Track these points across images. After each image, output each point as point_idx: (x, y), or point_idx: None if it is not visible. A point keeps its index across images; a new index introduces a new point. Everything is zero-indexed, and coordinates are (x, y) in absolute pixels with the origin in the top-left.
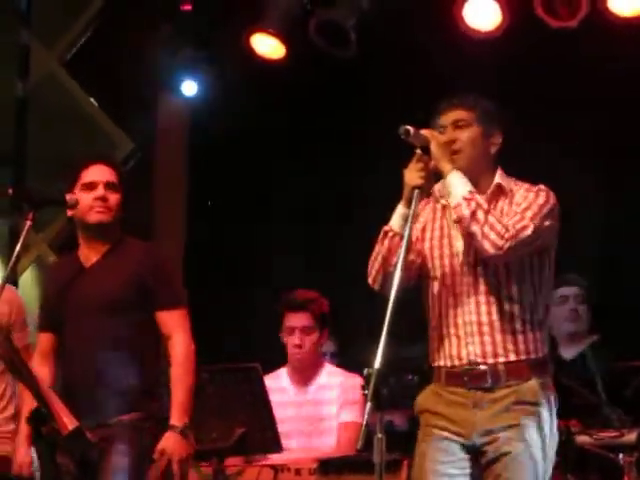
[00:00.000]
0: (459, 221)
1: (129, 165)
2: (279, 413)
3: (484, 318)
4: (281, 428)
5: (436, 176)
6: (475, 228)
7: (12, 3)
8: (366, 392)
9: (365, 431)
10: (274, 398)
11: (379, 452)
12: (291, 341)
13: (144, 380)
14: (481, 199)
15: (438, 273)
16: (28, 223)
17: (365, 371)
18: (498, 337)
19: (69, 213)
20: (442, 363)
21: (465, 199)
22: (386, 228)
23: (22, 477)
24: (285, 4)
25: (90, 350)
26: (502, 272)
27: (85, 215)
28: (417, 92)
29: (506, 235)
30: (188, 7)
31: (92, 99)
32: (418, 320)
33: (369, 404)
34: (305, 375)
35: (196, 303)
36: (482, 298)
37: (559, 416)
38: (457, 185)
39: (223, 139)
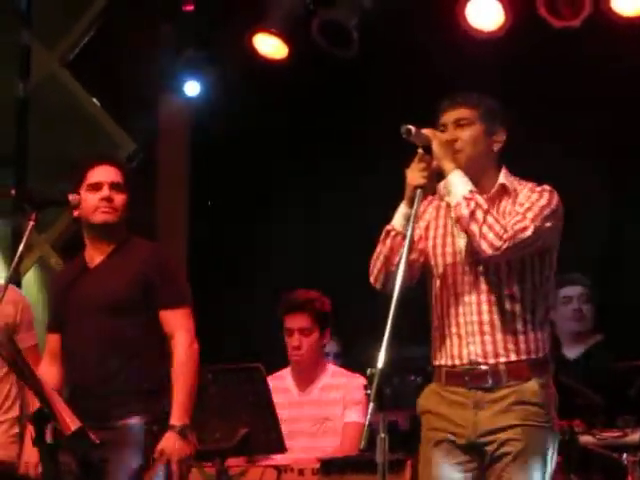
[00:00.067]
0: (458, 220)
1: (131, 166)
2: (283, 413)
3: (485, 317)
4: (285, 428)
5: (438, 175)
6: (474, 228)
7: (12, 3)
8: (369, 392)
9: (368, 431)
10: (277, 398)
11: (382, 452)
12: (290, 342)
13: (149, 381)
14: (481, 199)
15: (440, 271)
16: (31, 224)
17: (368, 371)
18: (499, 337)
19: (75, 213)
20: (443, 362)
21: (465, 198)
22: (388, 227)
23: (29, 477)
24: (288, 4)
25: (93, 351)
26: (503, 271)
27: (90, 215)
28: (418, 92)
29: (504, 236)
30: (190, 7)
31: (94, 99)
32: (421, 320)
33: (372, 404)
34: (308, 376)
35: (196, 303)
36: (483, 297)
37: (562, 416)
38: (458, 184)
39: (225, 139)
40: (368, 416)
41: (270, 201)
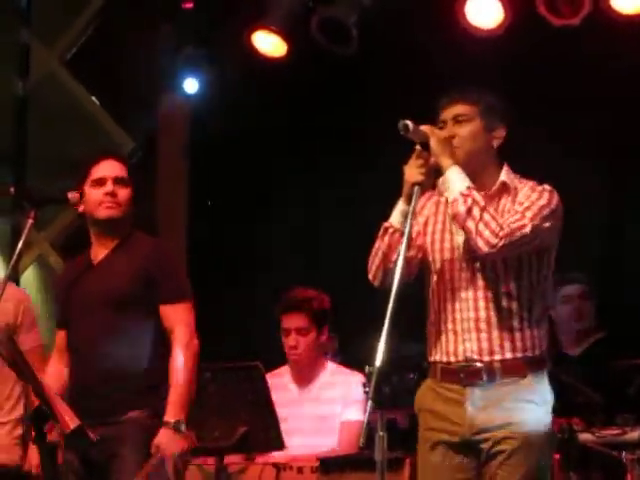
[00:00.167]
0: (455, 217)
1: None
2: (282, 411)
3: (482, 314)
4: (284, 426)
5: (436, 172)
6: (470, 225)
7: (12, 2)
8: (367, 390)
9: (367, 429)
10: (276, 396)
11: (381, 450)
12: (287, 342)
13: (150, 376)
14: (478, 196)
15: (438, 267)
16: (30, 222)
17: (366, 369)
18: (495, 334)
19: (80, 209)
20: (438, 358)
21: (462, 195)
22: (386, 224)
23: (31, 476)
24: (287, 1)
25: (95, 346)
26: (500, 268)
27: (95, 211)
28: (417, 90)
29: (500, 233)
30: (189, 5)
31: (93, 98)
32: (420, 317)
33: (370, 402)
34: (306, 374)
35: (196, 302)
36: (480, 294)
37: (562, 414)
38: (455, 181)
39: (224, 136)
40: (367, 414)
41: (269, 198)
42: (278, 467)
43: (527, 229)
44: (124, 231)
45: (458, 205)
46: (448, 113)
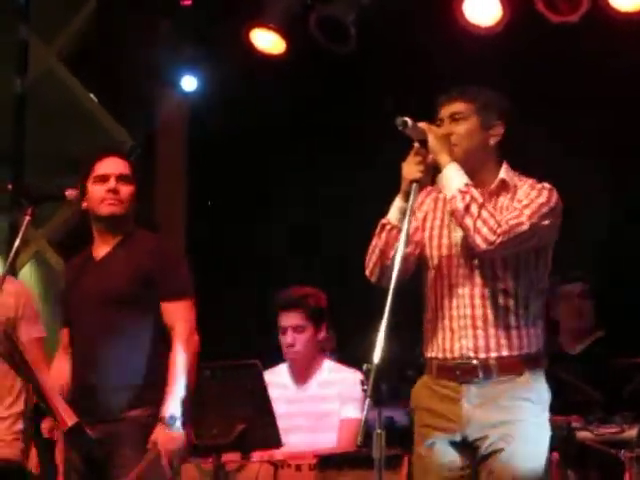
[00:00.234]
0: (453, 214)
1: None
2: (280, 408)
3: (478, 311)
4: (282, 424)
5: (435, 169)
6: (468, 222)
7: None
8: (365, 388)
9: (364, 427)
10: (274, 393)
11: (379, 448)
12: (283, 340)
13: (151, 373)
14: (476, 193)
15: (435, 263)
16: (27, 219)
17: (364, 367)
18: (491, 331)
19: (83, 206)
20: (434, 355)
21: (460, 192)
22: (384, 221)
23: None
24: None
25: (96, 343)
26: (498, 266)
27: (97, 207)
28: (415, 88)
29: (498, 230)
30: (188, 2)
31: (91, 95)
32: (418, 314)
33: (368, 400)
34: (304, 371)
35: (196, 302)
36: (477, 291)
37: (560, 412)
38: (453, 177)
39: (222, 134)
40: (365, 412)
41: (268, 197)
42: (276, 465)
43: (525, 226)
44: (126, 228)
45: (456, 202)
46: (445, 111)
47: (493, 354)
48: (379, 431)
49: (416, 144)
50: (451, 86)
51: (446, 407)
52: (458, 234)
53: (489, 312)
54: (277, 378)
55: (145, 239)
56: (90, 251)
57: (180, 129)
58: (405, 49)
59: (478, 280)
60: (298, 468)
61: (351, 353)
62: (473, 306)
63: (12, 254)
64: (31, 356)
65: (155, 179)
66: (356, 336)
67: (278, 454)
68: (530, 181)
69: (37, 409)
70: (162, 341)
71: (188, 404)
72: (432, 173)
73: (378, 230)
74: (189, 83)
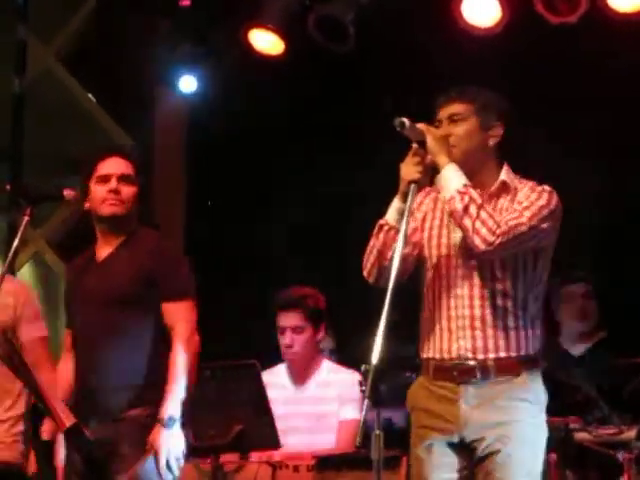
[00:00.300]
0: (452, 215)
1: None
2: (278, 409)
3: (477, 312)
4: (280, 425)
5: (433, 170)
6: (467, 222)
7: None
8: (364, 389)
9: (363, 428)
10: (273, 394)
11: (377, 449)
12: (282, 340)
13: (151, 374)
14: (475, 193)
15: (434, 263)
16: (26, 219)
17: (363, 367)
18: (490, 332)
19: (85, 206)
20: (431, 355)
21: (459, 192)
22: (381, 222)
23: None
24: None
25: (97, 345)
26: (497, 266)
27: (98, 208)
28: (414, 88)
29: (497, 231)
30: (187, 3)
31: (90, 95)
32: (416, 315)
33: (367, 401)
34: (303, 372)
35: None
36: (476, 291)
37: (558, 413)
38: (452, 178)
39: (221, 135)
40: (363, 413)
41: (268, 196)
42: (274, 466)
43: (525, 228)
44: (128, 228)
45: (455, 203)
46: (444, 112)
47: (491, 355)
48: (378, 432)
49: (414, 145)
50: (450, 86)
51: (444, 408)
52: (457, 234)
53: (488, 313)
54: (276, 378)
55: (148, 239)
56: (93, 251)
57: (179, 129)
58: (404, 49)
59: (477, 281)
60: (296, 469)
61: (350, 354)
62: (472, 306)
63: (11, 254)
64: (32, 356)
65: (154, 179)
66: (355, 337)
67: (276, 455)
68: (530, 183)
69: (35, 410)
70: (163, 341)
71: (188, 405)
72: (431, 174)
73: (376, 231)
74: (188, 83)
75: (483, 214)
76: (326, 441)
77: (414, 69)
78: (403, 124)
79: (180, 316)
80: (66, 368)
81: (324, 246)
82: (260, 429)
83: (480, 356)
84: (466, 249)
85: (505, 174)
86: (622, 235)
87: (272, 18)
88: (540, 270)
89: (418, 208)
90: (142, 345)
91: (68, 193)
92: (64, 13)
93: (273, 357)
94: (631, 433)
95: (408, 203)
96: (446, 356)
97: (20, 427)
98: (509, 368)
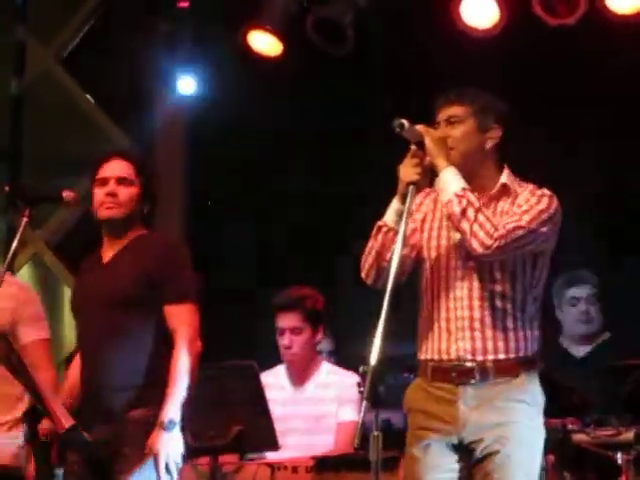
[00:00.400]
0: (450, 218)
1: None
2: (277, 410)
3: (476, 313)
4: (278, 426)
5: (432, 171)
6: (464, 226)
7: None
8: (362, 390)
9: (362, 429)
10: (272, 395)
11: (376, 450)
12: (281, 341)
13: (153, 375)
14: (473, 197)
15: (433, 264)
16: (25, 220)
17: (361, 369)
18: (489, 334)
19: (92, 209)
20: (429, 356)
21: (457, 196)
22: (380, 223)
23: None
24: (282, 1)
25: (100, 347)
26: (496, 268)
27: (97, 211)
28: (416, 90)
29: (495, 234)
30: (185, 4)
31: (88, 96)
32: (415, 316)
33: (365, 402)
34: (301, 373)
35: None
36: (475, 293)
37: (557, 414)
38: (450, 181)
39: (220, 136)
40: (361, 414)
41: (267, 197)
42: (273, 467)
43: (523, 231)
44: (129, 231)
45: (453, 206)
46: (443, 114)
47: (490, 356)
48: (376, 433)
49: (413, 146)
50: (450, 87)
51: (442, 409)
52: (457, 236)
53: (487, 314)
54: (274, 379)
55: (152, 242)
56: (99, 254)
57: (178, 130)
58: (404, 50)
59: (476, 282)
60: (295, 470)
61: (349, 356)
62: (471, 308)
63: (10, 255)
64: (32, 358)
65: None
66: (354, 338)
67: (275, 456)
68: (530, 187)
69: (34, 411)
70: (165, 343)
71: (188, 408)
72: (430, 175)
73: (374, 232)
74: (187, 84)
75: (481, 217)
76: (325, 442)
77: (414, 70)
78: (402, 125)
79: (182, 319)
80: (74, 371)
81: (324, 246)
82: (259, 430)
83: (479, 357)
84: (465, 251)
85: (506, 177)
86: (622, 235)
87: (271, 20)
88: (539, 272)
89: (418, 209)
90: (144, 346)
91: (67, 194)
92: (63, 14)
93: (272, 358)
94: (629, 434)
95: (407, 204)
96: (444, 357)
97: (19, 430)
98: (508, 369)
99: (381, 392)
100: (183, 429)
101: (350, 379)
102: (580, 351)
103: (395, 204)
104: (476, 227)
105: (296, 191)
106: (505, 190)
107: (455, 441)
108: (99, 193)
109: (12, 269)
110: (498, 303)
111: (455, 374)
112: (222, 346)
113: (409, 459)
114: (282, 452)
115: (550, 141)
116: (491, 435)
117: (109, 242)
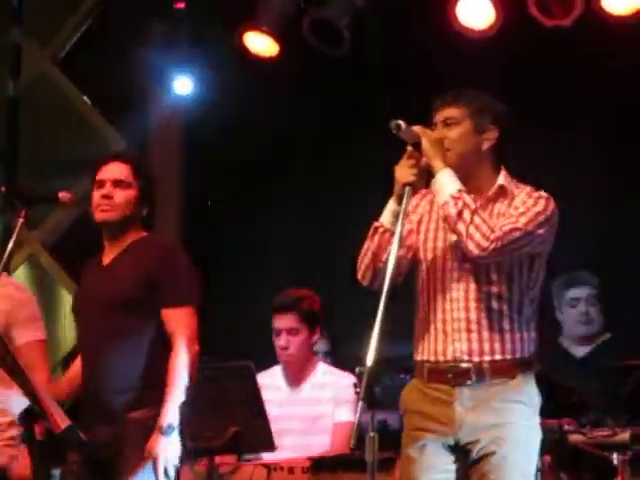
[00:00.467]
0: (446, 219)
1: None
2: (273, 411)
3: (473, 315)
4: (275, 426)
5: (428, 173)
6: (460, 227)
7: (3, 1)
8: (358, 391)
9: (358, 430)
10: (268, 395)
11: (372, 451)
12: (277, 342)
13: (153, 376)
14: (469, 198)
15: (429, 265)
16: (21, 221)
17: (357, 369)
18: (485, 335)
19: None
20: (425, 358)
21: (452, 197)
22: (376, 224)
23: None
24: (279, 2)
25: (99, 349)
26: (493, 269)
27: (94, 214)
28: (415, 90)
29: (491, 236)
30: (181, 5)
31: (85, 97)
32: (411, 317)
33: (361, 403)
34: (298, 374)
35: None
36: (472, 294)
37: (553, 415)
38: (446, 183)
39: (217, 137)
40: (358, 415)
41: (265, 198)
42: (269, 467)
43: (520, 233)
44: (127, 233)
45: (449, 208)
46: (439, 116)
47: (487, 358)
48: (372, 434)
49: (409, 147)
50: (449, 88)
51: (438, 410)
52: (453, 237)
53: (483, 316)
54: (271, 380)
55: (152, 245)
56: (100, 256)
57: (174, 131)
58: (403, 50)
59: (472, 284)
60: (291, 471)
61: (345, 357)
62: (468, 309)
63: (5, 256)
64: (27, 359)
65: None
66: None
67: (271, 456)
68: (527, 189)
69: (31, 412)
70: (164, 344)
71: (185, 411)
72: (426, 176)
73: (371, 233)
74: (183, 85)
75: (477, 219)
76: (321, 443)
77: (414, 70)
78: (399, 126)
79: (180, 322)
80: (75, 372)
81: (323, 247)
82: (255, 431)
83: (475, 359)
84: (461, 252)
85: (503, 178)
86: (622, 236)
87: (267, 20)
88: (536, 273)
89: (414, 210)
90: (144, 348)
91: (63, 195)
92: (59, 16)
93: (272, 358)
94: (625, 435)
95: (403, 205)
96: (441, 358)
97: (14, 432)
98: (504, 371)
99: (377, 393)
100: (181, 432)
101: (346, 380)
102: (580, 351)
103: (391, 205)
104: (472, 229)
105: (294, 192)
106: (502, 192)
107: (451, 442)
108: (96, 195)
109: (8, 270)
110: (494, 305)
111: (451, 375)
112: (221, 347)
113: (405, 460)
114: (278, 453)
115: (548, 142)
116: (487, 436)
117: (109, 245)
